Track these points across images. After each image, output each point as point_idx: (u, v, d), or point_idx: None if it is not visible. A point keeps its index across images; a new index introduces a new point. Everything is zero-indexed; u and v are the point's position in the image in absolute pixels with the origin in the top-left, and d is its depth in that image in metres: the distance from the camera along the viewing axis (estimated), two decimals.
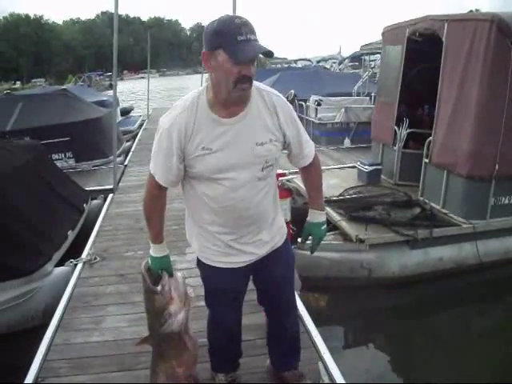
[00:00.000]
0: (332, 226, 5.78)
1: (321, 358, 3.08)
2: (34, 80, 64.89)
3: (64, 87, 14.04)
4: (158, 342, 2.37)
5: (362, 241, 5.39)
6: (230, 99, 1.97)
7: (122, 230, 5.74)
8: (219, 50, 1.85)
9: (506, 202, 5.74)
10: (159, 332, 2.27)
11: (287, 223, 5.94)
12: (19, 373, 3.11)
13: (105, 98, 15.64)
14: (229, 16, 1.90)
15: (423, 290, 5.52)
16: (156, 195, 2.21)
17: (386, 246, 5.48)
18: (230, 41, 1.82)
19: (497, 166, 5.41)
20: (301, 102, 12.08)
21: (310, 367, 2.94)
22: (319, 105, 11.49)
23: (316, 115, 11.36)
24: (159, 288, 2.21)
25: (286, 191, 5.91)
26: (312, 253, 2.51)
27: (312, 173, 2.43)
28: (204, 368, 2.82)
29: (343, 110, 11.05)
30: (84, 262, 4.74)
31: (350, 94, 12.84)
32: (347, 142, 10.80)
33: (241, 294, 2.52)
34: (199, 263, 2.40)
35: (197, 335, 2.54)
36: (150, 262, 2.29)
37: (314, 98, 11.85)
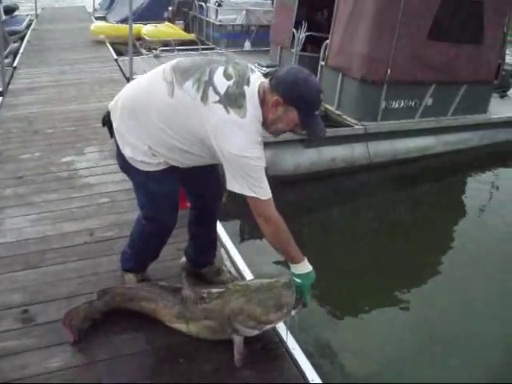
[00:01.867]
0: None
1: (223, 246, 3.31)
2: None
3: None
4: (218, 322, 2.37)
5: None
6: (271, 132, 2.27)
7: (16, 133, 5.47)
8: (294, 108, 2.11)
9: (396, 106, 6.10)
10: (238, 327, 2.30)
11: None
12: None
13: None
14: (316, 86, 2.14)
15: (317, 187, 5.86)
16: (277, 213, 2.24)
17: (280, 145, 5.57)
18: (308, 111, 2.13)
19: (389, 71, 5.67)
20: (201, 3, 11.77)
21: None
22: (220, 6, 11.22)
23: (216, 17, 11.16)
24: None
25: None
26: None
27: None
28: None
29: (244, 12, 10.91)
30: None
31: None
32: (247, 45, 10.83)
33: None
34: (149, 174, 2.37)
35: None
36: (299, 280, 2.27)
37: None
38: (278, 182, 5.56)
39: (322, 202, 5.79)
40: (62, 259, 3.14)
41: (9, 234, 3.46)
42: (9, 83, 7.56)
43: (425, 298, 4.37)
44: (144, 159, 2.31)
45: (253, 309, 2.27)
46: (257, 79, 2.19)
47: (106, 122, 2.43)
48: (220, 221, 3.49)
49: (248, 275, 2.99)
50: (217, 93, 2.11)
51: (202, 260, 2.93)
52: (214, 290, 2.48)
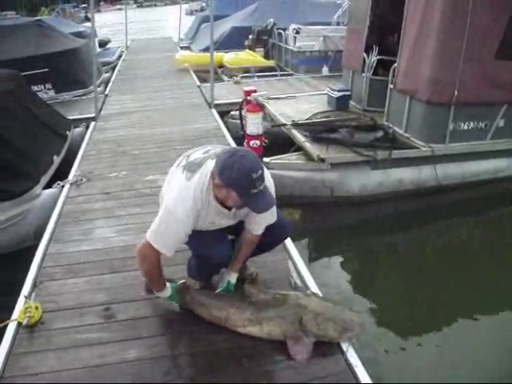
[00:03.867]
0: (296, 146, 6.02)
1: (291, 258, 3.52)
2: (3, 12, 61.27)
3: (38, 18, 13.75)
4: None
5: (322, 160, 5.57)
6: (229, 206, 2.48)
7: (105, 153, 6.04)
8: (233, 190, 2.26)
9: (465, 127, 5.97)
10: (308, 330, 2.57)
11: (259, 136, 6.32)
12: (13, 288, 3.34)
13: (82, 29, 15.32)
14: (244, 170, 2.20)
15: (383, 209, 5.87)
16: (159, 261, 2.59)
17: (346, 166, 5.70)
18: (244, 192, 2.24)
19: (456, 93, 5.60)
20: (280, 31, 12.16)
21: (280, 266, 3.41)
22: (298, 33, 11.54)
23: (294, 43, 11.46)
24: None
25: (257, 106, 6.27)
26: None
27: (250, 241, 2.82)
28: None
29: (321, 38, 11.14)
30: (71, 184, 5.04)
31: (329, 24, 12.85)
32: (325, 70, 10.98)
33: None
34: None
35: None
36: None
37: (292, 26, 11.88)
38: (344, 202, 5.72)
39: (389, 224, 5.76)
40: None
41: (97, 242, 3.88)
42: (101, 109, 8.25)
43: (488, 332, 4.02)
44: None
45: (325, 320, 2.57)
46: None
47: None
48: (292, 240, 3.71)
49: (313, 286, 3.16)
50: (187, 160, 2.50)
51: None
52: (292, 293, 2.81)
